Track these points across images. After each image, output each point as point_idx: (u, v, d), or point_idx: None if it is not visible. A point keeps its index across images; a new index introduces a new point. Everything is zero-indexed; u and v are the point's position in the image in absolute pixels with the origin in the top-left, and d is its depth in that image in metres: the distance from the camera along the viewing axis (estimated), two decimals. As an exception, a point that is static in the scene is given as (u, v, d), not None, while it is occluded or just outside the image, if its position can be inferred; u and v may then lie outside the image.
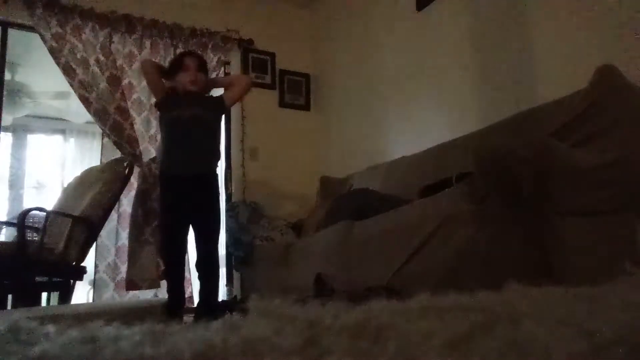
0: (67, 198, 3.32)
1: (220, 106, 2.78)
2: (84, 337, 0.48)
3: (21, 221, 2.80)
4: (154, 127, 3.66)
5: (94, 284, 3.49)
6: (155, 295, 3.41)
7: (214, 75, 3.75)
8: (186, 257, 2.99)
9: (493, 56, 2.73)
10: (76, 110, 4.89)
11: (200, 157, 2.65)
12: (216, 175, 2.78)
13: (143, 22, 3.76)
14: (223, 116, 2.89)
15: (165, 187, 2.75)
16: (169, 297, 2.62)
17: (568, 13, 2.32)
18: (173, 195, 2.64)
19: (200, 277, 2.63)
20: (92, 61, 3.54)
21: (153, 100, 3.68)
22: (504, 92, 2.64)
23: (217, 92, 2.95)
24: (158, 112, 2.88)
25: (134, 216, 3.42)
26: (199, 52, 3.64)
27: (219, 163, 2.86)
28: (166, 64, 3.72)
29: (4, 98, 3.62)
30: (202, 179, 2.65)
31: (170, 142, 2.67)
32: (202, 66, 2.75)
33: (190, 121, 2.62)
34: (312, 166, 4.28)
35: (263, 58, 4.32)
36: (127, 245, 3.42)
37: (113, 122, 3.49)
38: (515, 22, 2.59)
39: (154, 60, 3.42)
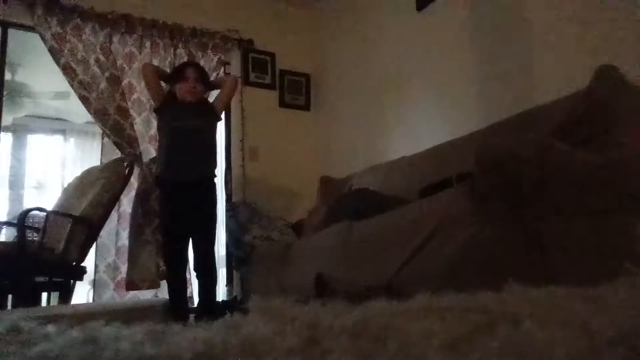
0: (67, 198, 3.32)
1: (215, 115, 2.92)
2: (84, 337, 0.48)
3: (21, 221, 2.80)
4: (154, 127, 3.65)
5: (94, 284, 3.49)
6: (155, 295, 3.41)
7: (213, 76, 3.76)
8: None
9: (493, 56, 2.73)
10: (76, 110, 4.90)
11: (200, 165, 2.78)
12: (214, 182, 2.88)
13: (143, 22, 3.76)
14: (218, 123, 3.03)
15: (166, 195, 2.80)
16: (171, 302, 2.67)
17: (568, 13, 2.32)
18: (174, 204, 2.71)
19: (198, 278, 2.72)
20: (92, 61, 3.54)
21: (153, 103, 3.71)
22: (504, 93, 2.64)
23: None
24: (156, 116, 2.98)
25: (134, 216, 3.42)
26: (200, 61, 3.68)
27: (218, 167, 2.96)
28: (166, 65, 3.76)
29: (4, 98, 3.62)
30: (200, 184, 2.75)
31: (172, 151, 2.75)
32: (202, 78, 2.86)
33: (191, 132, 2.74)
34: (312, 166, 4.28)
35: (263, 58, 4.32)
36: (127, 245, 3.42)
37: (113, 122, 3.49)
38: (515, 22, 2.59)
39: (154, 64, 3.44)
